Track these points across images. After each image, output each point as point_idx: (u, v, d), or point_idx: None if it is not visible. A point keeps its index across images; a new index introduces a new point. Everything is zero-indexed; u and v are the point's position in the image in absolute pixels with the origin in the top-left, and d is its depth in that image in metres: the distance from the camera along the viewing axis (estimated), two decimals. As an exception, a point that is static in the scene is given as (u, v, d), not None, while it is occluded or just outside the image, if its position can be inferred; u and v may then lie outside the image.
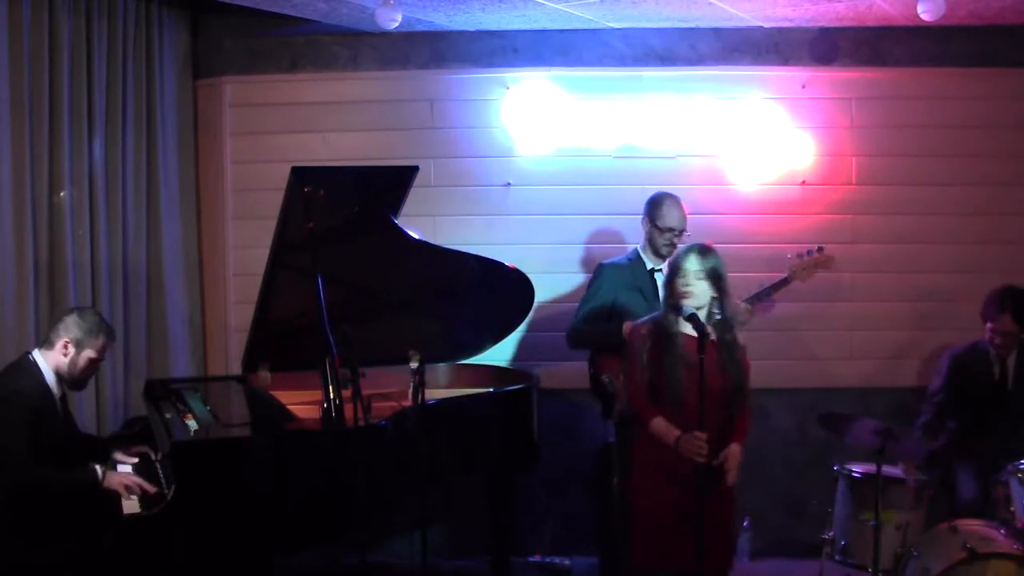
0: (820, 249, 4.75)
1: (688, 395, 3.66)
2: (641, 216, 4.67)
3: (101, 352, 3.96)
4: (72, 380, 3.95)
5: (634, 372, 3.83)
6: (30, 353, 3.91)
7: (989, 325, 4.67)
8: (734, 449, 3.74)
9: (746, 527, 5.29)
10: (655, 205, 4.60)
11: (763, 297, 4.71)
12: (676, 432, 3.68)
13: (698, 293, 3.72)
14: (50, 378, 3.87)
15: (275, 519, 3.52)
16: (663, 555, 3.73)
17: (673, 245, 4.54)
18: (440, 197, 5.31)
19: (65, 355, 3.87)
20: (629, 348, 3.89)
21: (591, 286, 4.71)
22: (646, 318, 3.91)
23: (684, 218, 4.59)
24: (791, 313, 5.29)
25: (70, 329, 3.88)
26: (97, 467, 3.80)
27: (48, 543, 3.65)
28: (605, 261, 4.75)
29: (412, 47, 5.35)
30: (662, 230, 4.56)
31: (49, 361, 3.88)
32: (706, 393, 3.56)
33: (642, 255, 4.66)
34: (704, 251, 3.76)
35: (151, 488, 3.73)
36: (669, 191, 4.67)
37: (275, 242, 4.03)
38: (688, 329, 3.69)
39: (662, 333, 3.76)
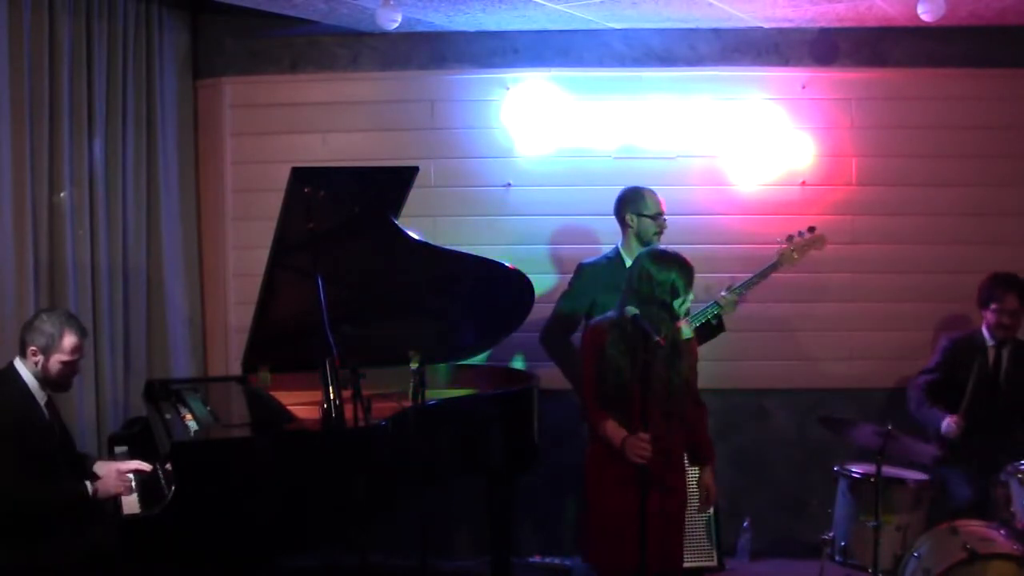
0: (811, 229, 4.68)
1: (633, 395, 3.63)
2: (620, 214, 4.60)
3: (73, 352, 3.81)
4: (51, 385, 3.85)
5: (589, 375, 3.77)
6: (14, 361, 3.84)
7: (994, 307, 4.66)
8: (707, 479, 3.80)
9: (746, 527, 5.30)
10: (636, 198, 4.56)
11: (752, 284, 4.62)
12: (623, 434, 3.65)
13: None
14: (32, 384, 3.80)
15: (275, 519, 3.52)
16: (616, 556, 3.68)
17: (663, 229, 4.55)
18: (440, 197, 5.31)
19: (36, 363, 3.77)
20: (587, 349, 3.81)
21: (571, 285, 4.69)
22: (602, 317, 3.85)
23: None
24: (791, 314, 5.29)
25: (34, 337, 3.76)
26: (88, 483, 3.73)
27: (42, 546, 3.62)
28: (585, 260, 4.70)
29: (412, 48, 5.35)
30: (654, 217, 4.53)
31: (28, 368, 3.80)
32: (651, 392, 3.53)
33: (623, 253, 4.59)
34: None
35: (147, 467, 3.72)
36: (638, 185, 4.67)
37: (275, 242, 4.03)
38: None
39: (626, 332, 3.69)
